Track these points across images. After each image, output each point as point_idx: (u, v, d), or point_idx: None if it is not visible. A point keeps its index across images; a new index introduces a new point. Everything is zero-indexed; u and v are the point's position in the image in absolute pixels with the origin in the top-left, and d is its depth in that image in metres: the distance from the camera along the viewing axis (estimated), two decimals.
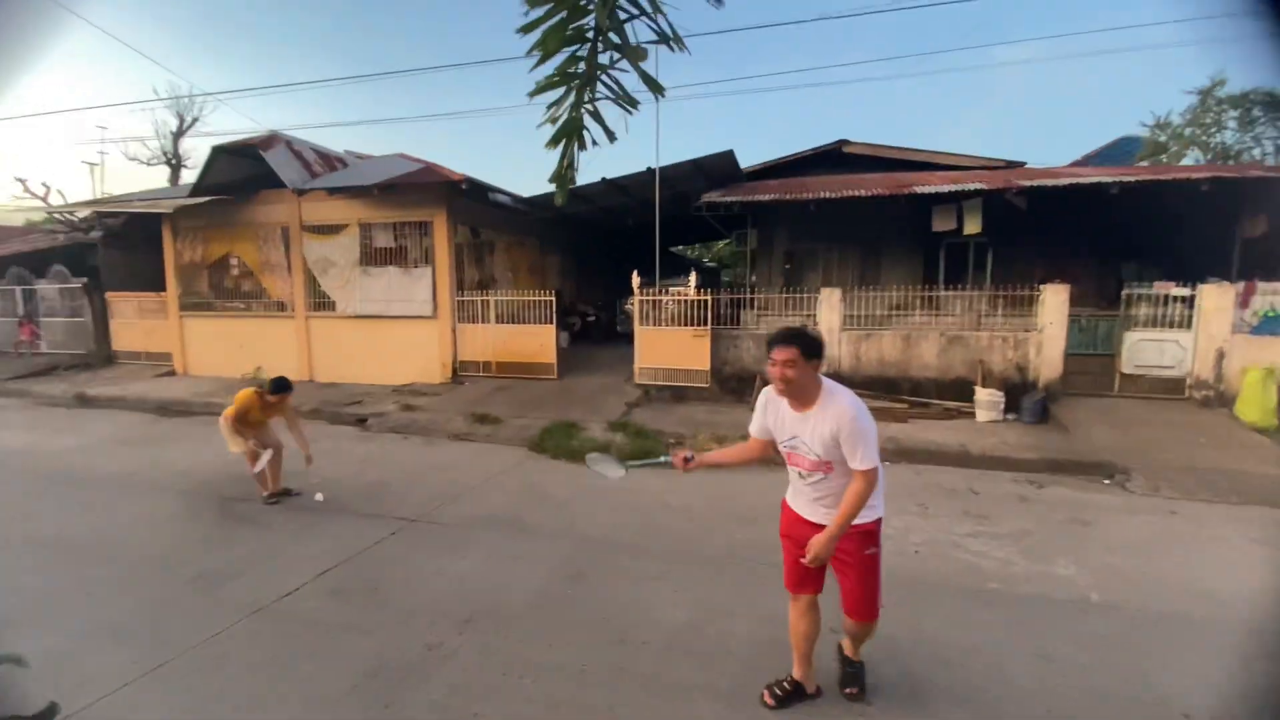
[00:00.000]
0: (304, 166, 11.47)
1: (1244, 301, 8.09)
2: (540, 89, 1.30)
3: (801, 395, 2.41)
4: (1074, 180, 9.55)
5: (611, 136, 1.47)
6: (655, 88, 1.34)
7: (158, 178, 24.30)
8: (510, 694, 2.83)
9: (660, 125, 10.42)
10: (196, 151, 22.52)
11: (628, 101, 1.39)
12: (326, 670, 2.99)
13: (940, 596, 3.74)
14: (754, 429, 2.69)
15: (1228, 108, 16.26)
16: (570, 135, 1.40)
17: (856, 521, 2.39)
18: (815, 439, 2.39)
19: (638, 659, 3.09)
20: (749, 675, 2.95)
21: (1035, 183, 9.60)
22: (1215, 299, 8.14)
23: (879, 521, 2.51)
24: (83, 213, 14.40)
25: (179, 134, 21.94)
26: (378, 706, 2.73)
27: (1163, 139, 17.45)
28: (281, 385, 5.27)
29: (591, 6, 1.16)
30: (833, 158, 14.08)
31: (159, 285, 12.76)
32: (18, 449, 7.44)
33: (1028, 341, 8.57)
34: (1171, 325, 8.42)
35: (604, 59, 1.29)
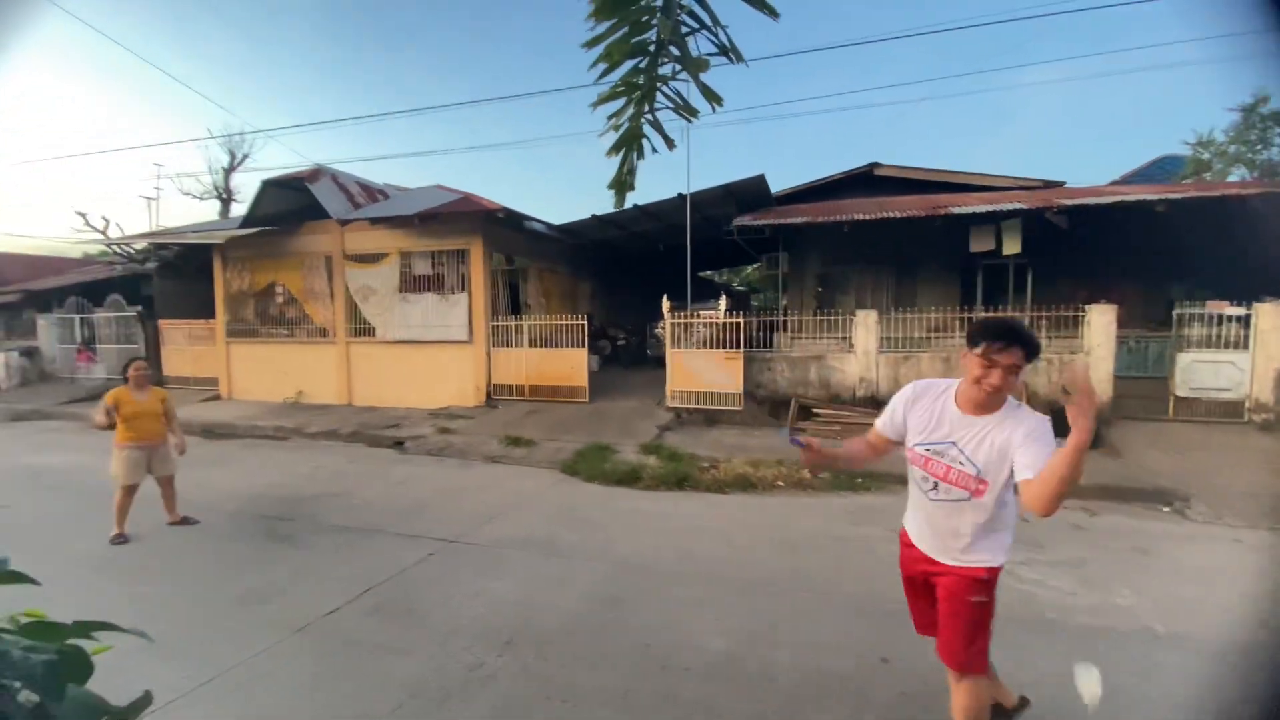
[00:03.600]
0: (348, 198, 11.88)
1: None
2: (603, 100, 1.34)
3: (991, 403, 2.08)
4: (1118, 198, 9.35)
5: (671, 144, 1.50)
6: (713, 99, 1.36)
7: (209, 211, 25.46)
8: (553, 718, 2.78)
9: (690, 151, 10.53)
10: (245, 186, 23.64)
11: (688, 111, 1.42)
12: (369, 690, 2.99)
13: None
14: (884, 424, 2.37)
15: (1273, 124, 15.78)
16: (630, 143, 1.43)
17: (971, 563, 2.15)
18: (979, 448, 2.06)
19: (681, 686, 3.01)
20: (795, 705, 2.85)
21: (1077, 201, 9.43)
22: (1273, 318, 7.81)
23: (995, 570, 2.18)
24: (139, 244, 15.12)
25: (230, 169, 23.06)
26: None
27: (1206, 157, 16.97)
28: (132, 358, 5.50)
29: (654, 21, 1.20)
30: (865, 181, 14.06)
31: (209, 313, 13.27)
32: (70, 469, 7.72)
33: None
34: (1227, 346, 8.09)
35: (665, 70, 1.32)
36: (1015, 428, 2.00)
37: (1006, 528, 2.18)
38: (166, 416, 5.45)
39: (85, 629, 0.85)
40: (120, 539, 5.04)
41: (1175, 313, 8.38)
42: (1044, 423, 2.00)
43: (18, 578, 0.87)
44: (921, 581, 2.34)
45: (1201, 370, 8.20)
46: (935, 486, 2.19)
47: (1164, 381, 8.64)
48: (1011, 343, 1.96)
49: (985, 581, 2.16)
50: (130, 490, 5.15)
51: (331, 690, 3.00)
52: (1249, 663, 3.20)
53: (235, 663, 3.22)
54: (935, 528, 2.23)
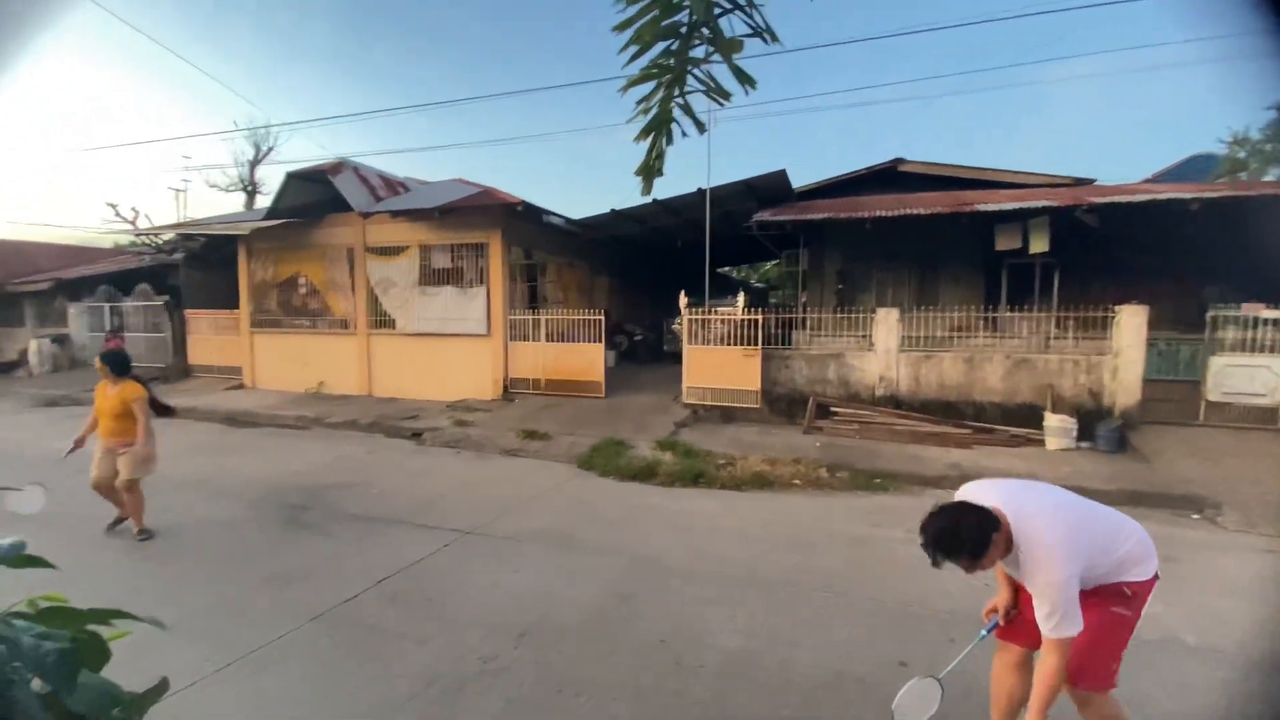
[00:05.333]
0: (369, 191, 11.97)
1: None
2: (633, 83, 1.31)
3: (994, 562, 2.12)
4: (1150, 197, 9.08)
5: (701, 128, 1.47)
6: (746, 81, 1.32)
7: (235, 203, 25.79)
8: (566, 712, 2.77)
9: (711, 146, 10.46)
10: (270, 179, 24.00)
11: (720, 94, 1.38)
12: (386, 677, 3.00)
13: None
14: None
15: None
16: (660, 128, 1.40)
17: (1119, 580, 2.06)
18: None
19: (694, 683, 2.98)
20: (811, 707, 2.81)
21: (1108, 199, 9.18)
22: None
23: (1148, 584, 2.08)
24: (167, 235, 15.41)
25: (255, 162, 23.37)
26: (436, 717, 2.72)
27: (1241, 155, 16.49)
28: (115, 360, 4.80)
29: (686, 2, 1.16)
30: (887, 177, 13.84)
31: (233, 303, 13.46)
32: None
33: (1102, 365, 8.12)
34: (1263, 350, 7.84)
35: (697, 52, 1.28)
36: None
37: (1118, 553, 2.07)
38: (131, 417, 4.82)
39: (102, 616, 0.84)
40: (143, 535, 4.85)
41: (1208, 315, 8.13)
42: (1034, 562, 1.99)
43: (35, 562, 0.86)
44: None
45: (1235, 374, 7.95)
46: None
47: (1195, 385, 8.39)
48: (943, 559, 1.98)
49: (1134, 595, 2.08)
50: (125, 485, 4.81)
51: (348, 676, 3.02)
52: None
53: (254, 647, 3.26)
54: None
